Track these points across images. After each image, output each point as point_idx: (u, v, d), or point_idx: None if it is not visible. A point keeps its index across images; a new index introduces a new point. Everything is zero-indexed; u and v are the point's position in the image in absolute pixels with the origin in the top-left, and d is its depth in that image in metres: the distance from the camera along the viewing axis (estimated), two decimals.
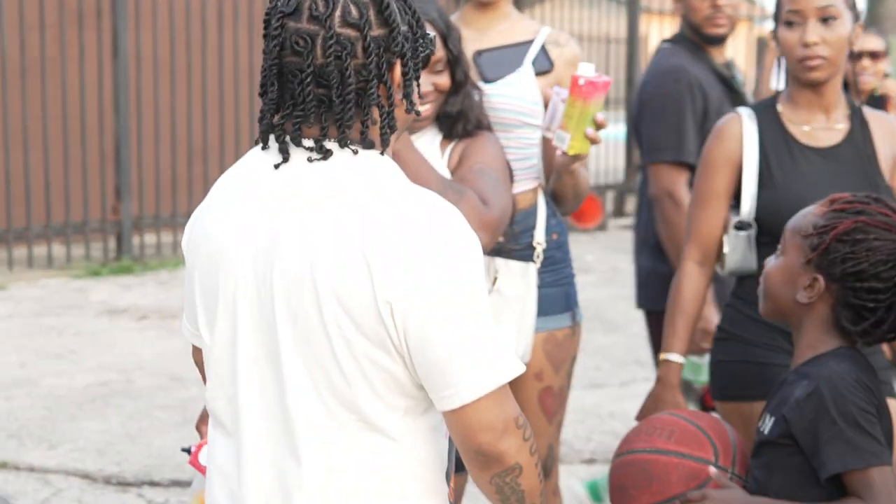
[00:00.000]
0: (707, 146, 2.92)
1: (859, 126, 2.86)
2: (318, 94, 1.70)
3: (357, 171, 1.71)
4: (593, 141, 2.75)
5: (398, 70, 1.74)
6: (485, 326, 1.69)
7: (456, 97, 2.70)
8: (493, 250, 2.88)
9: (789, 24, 2.80)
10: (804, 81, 2.81)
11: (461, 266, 1.68)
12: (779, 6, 2.87)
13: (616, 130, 11.31)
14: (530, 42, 2.99)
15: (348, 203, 1.68)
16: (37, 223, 7.96)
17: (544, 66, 2.98)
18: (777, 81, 2.93)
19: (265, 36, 1.75)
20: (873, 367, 2.18)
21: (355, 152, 1.72)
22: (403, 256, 1.65)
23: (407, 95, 1.77)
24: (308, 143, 1.72)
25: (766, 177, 2.80)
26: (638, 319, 6.63)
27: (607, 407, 5.39)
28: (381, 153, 1.75)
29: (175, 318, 6.79)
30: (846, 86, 4.45)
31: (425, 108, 2.65)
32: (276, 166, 1.74)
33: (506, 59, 2.96)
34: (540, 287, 2.96)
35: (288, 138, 1.73)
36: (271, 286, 1.71)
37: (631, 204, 11.12)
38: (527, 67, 2.96)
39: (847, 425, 2.05)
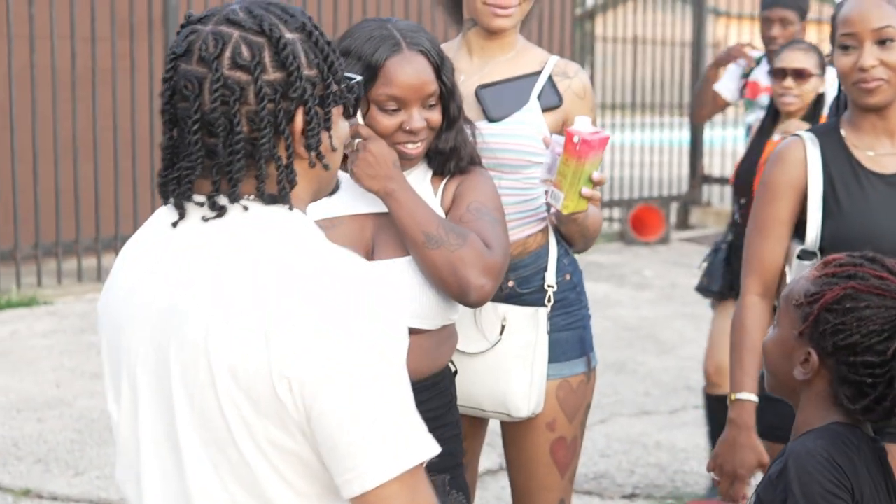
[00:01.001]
0: (768, 171, 2.77)
1: None
2: (206, 144, 1.57)
3: (255, 229, 1.58)
4: (590, 199, 2.58)
5: (300, 119, 1.59)
6: (395, 403, 1.51)
7: (449, 133, 2.50)
8: (502, 297, 2.72)
9: (844, 47, 2.65)
10: (863, 106, 2.67)
11: (368, 337, 1.51)
12: (833, 29, 2.72)
13: (680, 136, 11.10)
14: (537, 74, 2.78)
15: (245, 266, 1.55)
16: (86, 236, 7.92)
17: (552, 101, 2.78)
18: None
19: (161, 79, 1.63)
20: (862, 443, 1.96)
21: (246, 209, 1.58)
22: (303, 326, 1.49)
23: (310, 147, 1.60)
24: (200, 198, 1.60)
25: (831, 204, 2.66)
26: (694, 340, 6.42)
27: (654, 436, 5.17)
28: (290, 208, 1.60)
29: None
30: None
31: (416, 147, 2.45)
32: (174, 224, 1.61)
33: (510, 94, 2.76)
34: (552, 331, 2.78)
35: (179, 193, 1.60)
36: (167, 359, 1.57)
37: (695, 216, 10.84)
38: (533, 103, 2.77)
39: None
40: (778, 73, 4.28)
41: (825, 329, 1.91)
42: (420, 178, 2.53)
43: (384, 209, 2.42)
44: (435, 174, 2.55)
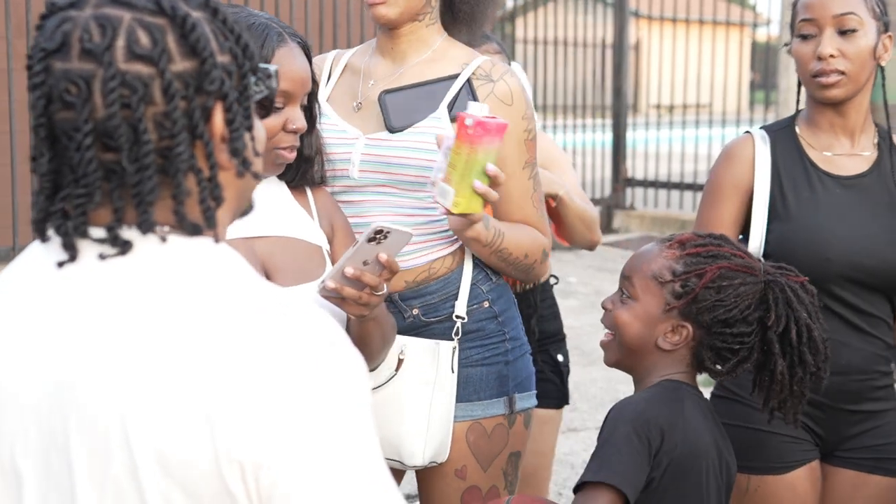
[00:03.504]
0: (714, 169, 2.58)
1: (888, 153, 2.52)
2: (104, 162, 1.22)
3: (173, 270, 1.22)
4: (485, 197, 2.23)
5: (219, 117, 1.25)
6: (369, 470, 1.20)
7: (311, 137, 2.22)
8: (404, 326, 2.39)
9: (803, 36, 2.45)
10: (819, 100, 2.47)
11: (333, 398, 1.19)
12: (793, 16, 2.51)
13: (603, 138, 10.93)
14: (454, 77, 2.43)
15: (168, 322, 1.19)
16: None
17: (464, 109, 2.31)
18: None
19: (28, 87, 1.25)
20: (687, 402, 2.09)
21: (164, 240, 1.23)
22: (256, 397, 1.16)
23: (235, 152, 1.25)
24: (98, 232, 1.23)
25: (779, 207, 2.48)
26: None
27: (582, 455, 4.91)
28: (216, 239, 1.25)
29: None
30: None
31: (292, 152, 2.13)
32: (60, 265, 1.23)
33: (419, 100, 2.42)
34: (466, 366, 2.43)
35: (70, 227, 1.23)
36: (66, 446, 1.21)
37: (619, 220, 10.65)
38: (441, 111, 2.41)
39: (607, 443, 2.00)
40: None
41: (704, 305, 2.07)
42: (275, 191, 2.21)
43: (277, 232, 2.15)
44: (293, 186, 2.24)
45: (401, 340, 2.38)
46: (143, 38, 1.21)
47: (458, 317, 2.44)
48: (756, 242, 2.49)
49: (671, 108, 11.71)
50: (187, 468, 1.17)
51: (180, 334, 1.19)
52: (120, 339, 1.20)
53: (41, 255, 1.28)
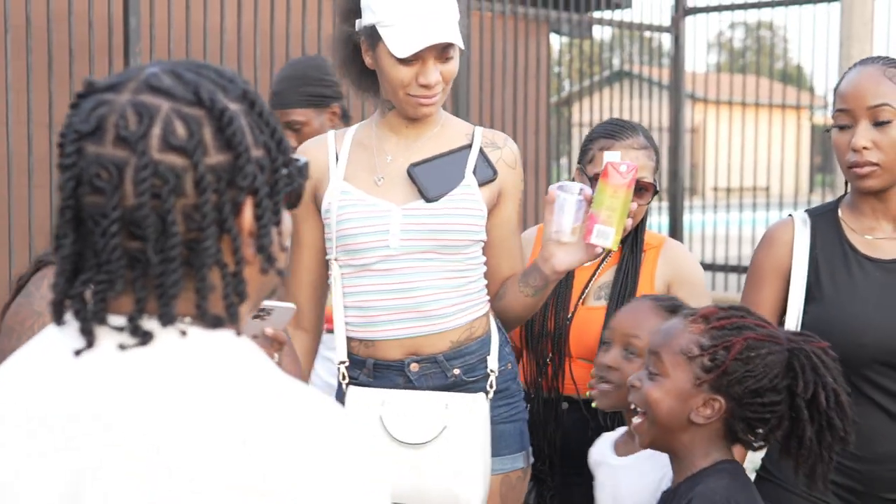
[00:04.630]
0: (755, 253, 2.64)
1: None
2: (128, 250, 1.21)
3: (194, 364, 1.20)
4: (626, 232, 2.61)
5: (248, 212, 1.25)
6: None
7: None
8: (447, 385, 2.57)
9: (840, 126, 2.49)
10: (857, 189, 2.52)
11: (357, 485, 1.18)
12: (833, 103, 2.56)
13: (660, 221, 10.88)
14: (467, 147, 2.69)
15: (188, 414, 1.16)
16: None
17: (487, 175, 2.69)
18: None
19: (58, 166, 1.23)
20: (751, 483, 2.16)
21: (183, 334, 1.20)
22: (279, 486, 1.14)
23: (262, 249, 1.24)
24: (117, 320, 1.21)
25: (814, 290, 2.51)
26: None
27: None
28: (237, 333, 1.23)
29: None
30: None
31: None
32: (77, 353, 1.20)
33: (444, 170, 2.64)
34: (496, 423, 2.61)
35: (89, 313, 1.21)
36: None
37: None
38: (469, 178, 2.67)
39: None
40: None
41: (734, 377, 2.10)
42: None
43: None
44: None
45: (445, 397, 2.54)
46: (180, 129, 1.21)
47: (491, 371, 2.65)
48: (792, 324, 2.52)
49: (730, 191, 11.68)
50: None
51: (200, 428, 1.16)
52: (139, 432, 1.17)
53: (57, 339, 1.25)
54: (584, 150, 2.96)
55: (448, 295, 2.59)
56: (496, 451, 2.65)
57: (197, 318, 1.22)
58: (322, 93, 3.72)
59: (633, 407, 2.20)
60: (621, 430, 2.61)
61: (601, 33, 10.98)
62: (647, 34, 11.27)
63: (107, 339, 1.22)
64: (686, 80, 11.00)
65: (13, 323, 2.17)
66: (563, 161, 13.05)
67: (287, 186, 1.29)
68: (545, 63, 10.66)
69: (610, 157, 2.56)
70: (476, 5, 9.49)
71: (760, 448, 2.22)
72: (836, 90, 2.49)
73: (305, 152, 2.68)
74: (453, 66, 2.63)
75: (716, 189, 12.09)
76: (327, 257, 2.66)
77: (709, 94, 13.60)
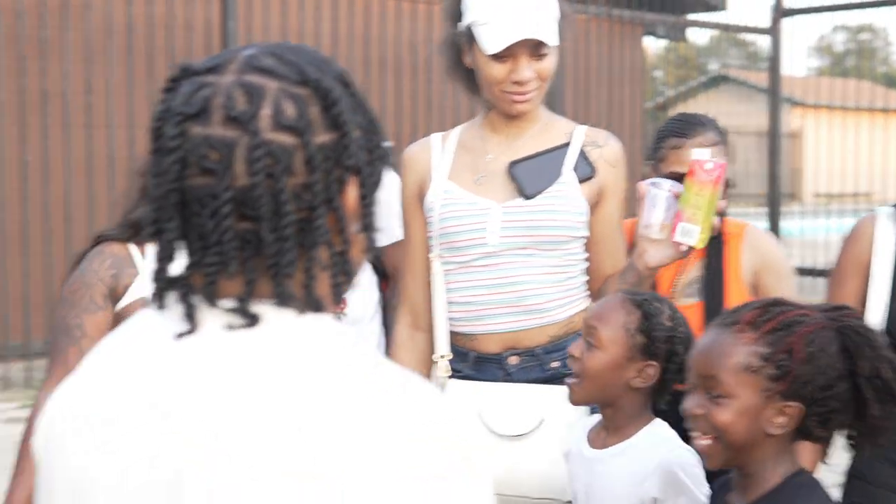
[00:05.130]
0: (840, 250, 2.61)
1: None
2: (240, 231, 1.17)
3: (308, 348, 1.17)
4: (714, 230, 2.57)
5: (352, 192, 1.22)
6: None
7: None
8: (544, 378, 2.58)
9: None
10: None
11: (462, 477, 1.15)
12: None
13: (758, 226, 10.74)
14: (566, 145, 2.68)
15: (299, 400, 1.14)
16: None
17: (586, 173, 2.66)
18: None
19: (156, 150, 1.20)
20: (827, 492, 2.05)
21: (297, 314, 1.18)
22: (390, 475, 1.12)
23: (367, 228, 1.23)
24: (227, 303, 1.18)
25: None
26: None
27: None
28: (336, 316, 1.21)
29: None
30: None
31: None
32: (179, 337, 1.18)
33: (543, 168, 2.66)
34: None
35: (197, 297, 1.18)
36: None
37: None
38: (568, 176, 2.65)
39: None
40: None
41: (805, 380, 1.98)
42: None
43: None
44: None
45: (541, 391, 2.55)
46: (290, 109, 1.18)
47: None
48: (876, 320, 2.48)
49: (832, 197, 11.49)
50: None
51: (312, 414, 1.14)
52: (241, 418, 1.15)
53: (150, 325, 1.24)
54: (655, 148, 2.91)
55: (548, 290, 2.61)
56: None
57: (302, 299, 1.19)
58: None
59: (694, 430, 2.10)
60: (595, 417, 2.52)
61: (697, 36, 10.87)
62: (746, 37, 11.12)
63: (212, 322, 1.19)
64: (786, 84, 10.81)
65: (67, 293, 2.34)
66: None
67: (384, 169, 1.27)
68: (640, 66, 10.58)
69: (697, 154, 2.53)
70: (570, 9, 9.46)
71: (828, 438, 2.08)
72: None
73: (411, 154, 2.74)
74: (548, 64, 2.62)
75: (817, 194, 11.90)
76: (431, 255, 2.70)
77: (810, 98, 13.39)
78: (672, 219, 2.52)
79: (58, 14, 7.07)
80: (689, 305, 2.90)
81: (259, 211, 1.16)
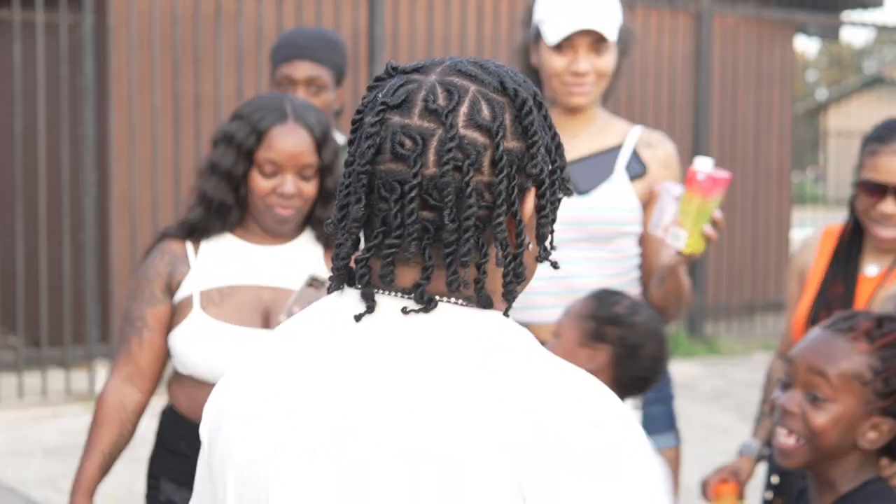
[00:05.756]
0: None
1: None
2: (422, 218, 1.24)
3: (479, 337, 1.24)
4: (709, 239, 2.64)
5: (531, 200, 1.28)
6: None
7: (328, 205, 2.56)
8: None
9: None
10: None
11: (632, 473, 1.21)
12: None
13: None
14: (620, 146, 2.87)
15: (473, 389, 1.20)
16: None
17: (637, 171, 2.85)
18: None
19: (353, 138, 1.29)
20: None
21: (466, 306, 1.25)
22: (565, 467, 1.17)
23: (541, 237, 1.29)
24: (405, 288, 1.26)
25: None
26: None
27: None
28: (505, 313, 1.27)
29: None
30: None
31: (286, 210, 2.49)
32: (357, 318, 1.25)
33: (597, 166, 2.83)
34: (644, 405, 2.69)
35: (374, 279, 1.26)
36: None
37: None
38: (619, 174, 2.84)
39: None
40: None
41: None
42: (308, 250, 2.58)
43: (280, 284, 2.50)
44: (327, 248, 2.61)
45: None
46: (485, 110, 1.25)
47: None
48: None
49: None
50: None
51: (482, 395, 1.20)
52: (416, 396, 1.22)
53: (331, 308, 1.31)
54: (860, 153, 2.83)
55: (601, 282, 2.70)
56: (646, 432, 2.74)
57: (472, 294, 1.26)
58: (344, 70, 3.45)
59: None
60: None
61: (853, 36, 10.60)
62: None
63: (386, 305, 1.26)
64: None
65: (133, 287, 2.53)
66: (810, 170, 12.64)
67: (563, 190, 1.33)
68: (790, 68, 10.37)
69: (698, 163, 2.62)
70: (718, 9, 9.33)
71: None
72: None
73: None
74: (607, 61, 2.80)
75: None
76: None
77: None
78: (673, 222, 2.65)
79: (212, 21, 7.30)
80: None
81: (444, 200, 1.23)
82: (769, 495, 2.76)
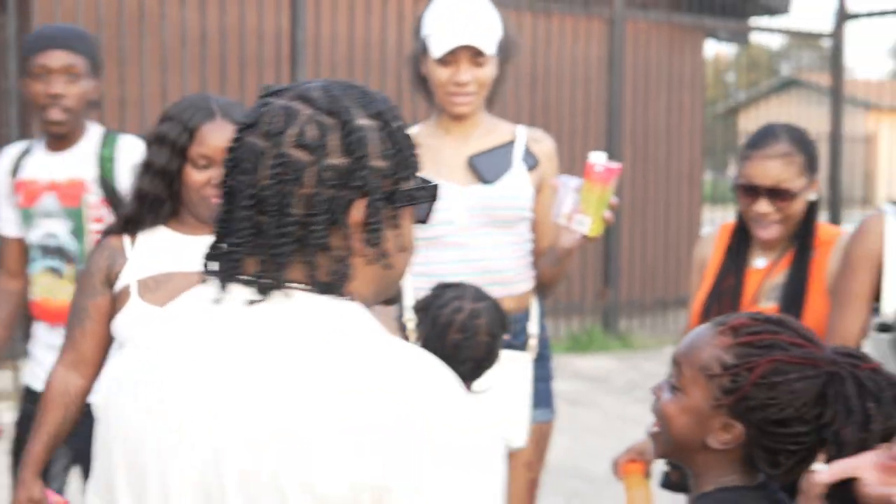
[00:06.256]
0: (849, 245, 2.78)
1: None
2: (255, 221, 1.46)
3: (308, 318, 1.44)
4: (608, 222, 3.02)
5: (359, 211, 1.46)
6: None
7: None
8: (501, 346, 3.07)
9: None
10: None
11: (456, 435, 1.40)
12: None
13: None
14: (513, 142, 3.22)
15: (303, 362, 1.40)
16: None
17: (531, 163, 3.20)
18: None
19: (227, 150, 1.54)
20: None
21: (289, 295, 1.46)
22: (386, 431, 1.36)
23: (370, 242, 1.47)
24: (246, 277, 1.47)
25: None
26: None
27: None
28: (351, 299, 1.49)
29: None
30: None
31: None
32: (214, 302, 1.48)
33: (498, 160, 3.17)
34: (534, 382, 3.11)
35: (225, 271, 1.48)
36: (222, 485, 1.41)
37: None
38: (518, 166, 3.18)
39: None
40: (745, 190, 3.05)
41: (754, 404, 1.83)
42: None
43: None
44: None
45: (501, 355, 3.02)
46: (312, 132, 1.45)
47: (531, 335, 3.19)
48: (890, 309, 2.64)
49: None
50: (329, 492, 1.35)
51: (312, 367, 1.40)
52: (260, 370, 1.42)
53: (200, 293, 1.53)
54: (739, 158, 3.03)
55: (508, 263, 3.10)
56: (533, 405, 3.13)
57: (308, 284, 1.46)
58: (98, 61, 3.44)
59: None
60: None
61: (769, 40, 10.95)
62: (819, 41, 11.18)
63: (236, 293, 1.47)
64: (860, 87, 10.85)
65: (78, 280, 2.73)
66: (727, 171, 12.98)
67: (410, 200, 1.51)
68: (700, 72, 10.69)
69: (594, 157, 2.99)
70: (630, 15, 9.62)
71: (783, 481, 1.90)
72: None
73: None
74: (487, 72, 3.12)
75: (891, 199, 11.88)
76: None
77: (885, 101, 13.35)
78: (575, 210, 2.99)
79: (136, 23, 7.41)
80: (766, 309, 2.95)
81: (269, 208, 1.45)
82: (667, 468, 2.94)
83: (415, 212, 1.55)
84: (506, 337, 2.96)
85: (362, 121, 1.48)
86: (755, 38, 10.33)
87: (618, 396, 7.64)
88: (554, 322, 9.24)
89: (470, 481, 1.39)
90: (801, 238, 3.00)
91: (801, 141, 2.99)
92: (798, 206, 2.95)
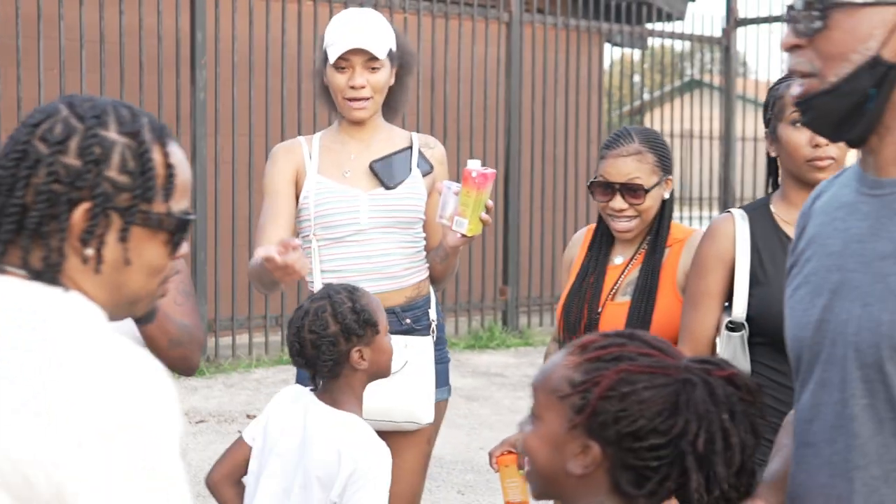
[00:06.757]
0: (699, 246, 2.90)
1: None
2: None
3: (8, 296, 1.51)
4: (485, 223, 3.23)
5: (80, 212, 1.54)
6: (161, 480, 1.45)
7: None
8: (402, 330, 3.35)
9: (795, 123, 2.76)
10: (811, 181, 2.72)
11: (140, 424, 1.45)
12: (780, 105, 2.81)
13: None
14: (409, 148, 3.48)
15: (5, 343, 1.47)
16: None
17: (426, 168, 3.48)
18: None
19: None
20: None
21: (11, 276, 1.53)
22: (61, 409, 1.42)
23: (83, 241, 1.54)
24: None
25: (758, 274, 2.77)
26: None
27: None
28: (65, 290, 1.54)
29: (234, 421, 6.77)
30: None
31: None
32: None
33: (397, 165, 3.43)
34: (436, 363, 3.40)
35: None
36: None
37: None
38: (415, 172, 3.46)
39: None
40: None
41: (605, 419, 1.73)
42: None
43: None
44: None
45: (405, 339, 3.35)
46: (58, 130, 1.56)
47: (433, 320, 3.48)
48: (739, 308, 2.77)
49: None
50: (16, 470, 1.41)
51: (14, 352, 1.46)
52: None
53: None
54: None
55: (404, 260, 3.38)
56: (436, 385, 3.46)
57: (21, 267, 1.54)
58: None
59: None
60: None
61: (666, 43, 11.20)
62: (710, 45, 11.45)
63: None
64: (761, 88, 11.15)
65: None
66: None
67: (145, 222, 1.57)
68: (598, 75, 10.92)
69: (471, 164, 3.20)
70: (528, 18, 9.80)
71: (653, 501, 1.76)
72: (780, 93, 2.79)
73: (282, 151, 3.44)
74: (380, 77, 3.36)
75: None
76: (303, 234, 3.42)
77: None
78: (455, 212, 3.22)
79: (33, 24, 7.40)
80: (620, 304, 3.14)
81: (1, 188, 1.55)
82: None
83: (172, 239, 1.61)
84: (408, 321, 3.36)
85: (111, 134, 1.56)
86: (657, 41, 10.57)
87: (511, 391, 7.81)
88: (455, 320, 9.40)
89: (132, 486, 1.42)
90: (654, 235, 3.17)
91: (652, 141, 3.17)
92: (651, 203, 3.12)
